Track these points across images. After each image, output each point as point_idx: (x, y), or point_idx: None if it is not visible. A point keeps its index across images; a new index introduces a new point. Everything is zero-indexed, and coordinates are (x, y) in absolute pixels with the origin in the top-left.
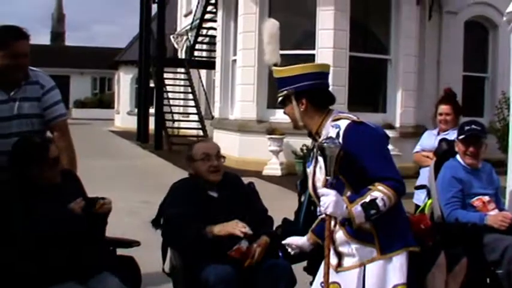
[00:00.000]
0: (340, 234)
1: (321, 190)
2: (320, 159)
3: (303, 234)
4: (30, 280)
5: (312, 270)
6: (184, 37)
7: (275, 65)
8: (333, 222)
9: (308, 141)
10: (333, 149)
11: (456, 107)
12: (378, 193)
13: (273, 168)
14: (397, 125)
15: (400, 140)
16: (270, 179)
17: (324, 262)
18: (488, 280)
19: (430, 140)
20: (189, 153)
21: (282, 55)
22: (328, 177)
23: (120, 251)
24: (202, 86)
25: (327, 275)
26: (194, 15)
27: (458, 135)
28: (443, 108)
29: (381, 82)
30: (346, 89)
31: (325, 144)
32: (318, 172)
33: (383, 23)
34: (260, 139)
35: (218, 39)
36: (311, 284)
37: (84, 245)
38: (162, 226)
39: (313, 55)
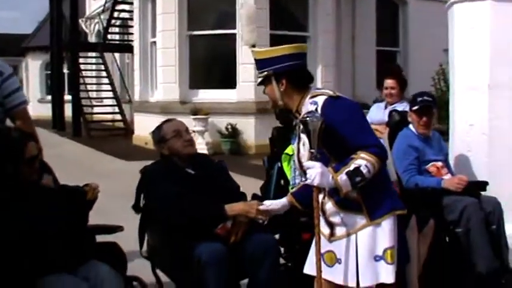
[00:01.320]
0: (329, 205)
1: (306, 163)
2: (303, 135)
3: None
4: (21, 274)
5: (284, 243)
6: (95, 20)
7: (253, 46)
8: (321, 195)
9: (232, 120)
10: (315, 123)
11: (401, 81)
12: (361, 160)
13: (200, 148)
14: None
15: None
16: None
17: (315, 231)
18: (447, 239)
19: (378, 113)
20: (159, 135)
21: (202, 35)
22: (312, 150)
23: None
24: (119, 69)
25: (318, 243)
26: None
27: (412, 106)
28: (389, 82)
29: None
30: None
31: (307, 118)
32: (301, 149)
33: (301, 0)
34: (185, 120)
35: (135, 22)
36: (283, 256)
37: (72, 235)
38: (156, 205)
39: (235, 34)
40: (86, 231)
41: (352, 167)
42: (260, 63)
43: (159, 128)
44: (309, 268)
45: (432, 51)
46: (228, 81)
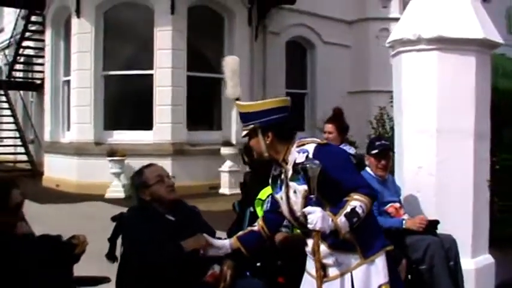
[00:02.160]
0: (323, 248)
1: (307, 209)
2: (292, 183)
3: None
4: None
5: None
6: None
7: (237, 99)
8: (310, 240)
9: (149, 161)
10: (315, 169)
11: (340, 125)
12: (356, 202)
13: (116, 190)
14: (234, 141)
15: (239, 156)
16: (114, 201)
17: (316, 275)
18: (409, 277)
19: None
20: (140, 180)
21: (118, 75)
22: (312, 196)
23: None
24: (25, 108)
25: (320, 285)
26: (13, 32)
27: (370, 150)
28: (327, 126)
29: (216, 100)
30: (184, 108)
31: (307, 165)
32: (292, 196)
33: (217, 42)
34: (100, 162)
35: (47, 59)
36: None
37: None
38: (135, 250)
39: (152, 75)
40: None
41: (348, 208)
42: (245, 117)
43: (139, 172)
44: None
45: (337, 93)
46: (144, 122)
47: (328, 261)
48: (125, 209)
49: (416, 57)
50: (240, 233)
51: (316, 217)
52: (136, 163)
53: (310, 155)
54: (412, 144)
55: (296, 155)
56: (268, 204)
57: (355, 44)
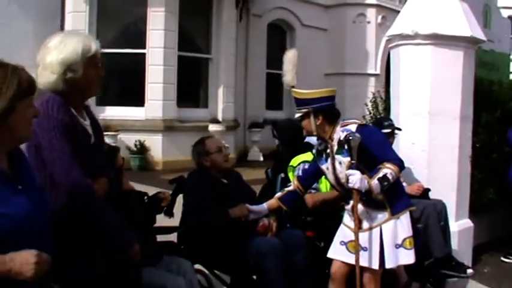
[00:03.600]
0: (359, 206)
1: (349, 171)
2: (338, 156)
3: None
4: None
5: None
6: None
7: (293, 87)
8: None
9: (141, 137)
10: (356, 140)
11: None
12: (387, 169)
13: None
14: (220, 119)
15: (225, 133)
16: None
17: (354, 224)
18: None
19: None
20: (203, 149)
21: (111, 53)
22: (353, 161)
23: None
24: None
25: (357, 237)
26: None
27: (380, 128)
28: None
29: (204, 79)
30: (175, 87)
31: (350, 137)
32: (338, 167)
33: (206, 24)
34: None
35: None
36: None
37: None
38: (195, 206)
39: (144, 54)
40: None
41: (381, 174)
42: (300, 102)
43: (201, 142)
44: (332, 253)
45: (315, 75)
46: (137, 99)
47: (363, 216)
48: None
49: (413, 50)
50: (279, 194)
51: (356, 178)
52: (128, 138)
53: (351, 132)
54: (407, 125)
55: (340, 134)
56: (299, 171)
57: (332, 28)
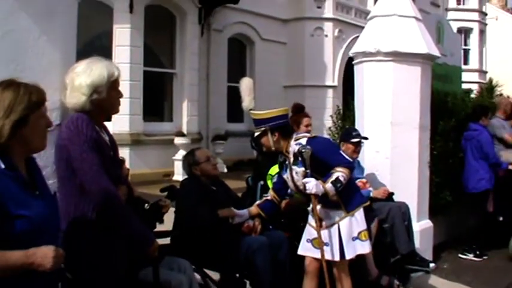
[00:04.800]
0: (318, 207)
1: (305, 179)
2: (294, 167)
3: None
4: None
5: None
6: None
7: (252, 109)
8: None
9: None
10: (308, 152)
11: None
12: (339, 173)
13: None
14: (185, 132)
15: (190, 146)
16: None
17: (312, 226)
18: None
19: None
20: (193, 158)
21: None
22: (307, 171)
23: None
24: None
25: (319, 235)
26: None
27: (350, 138)
28: (308, 120)
29: (169, 94)
30: (141, 101)
31: (302, 150)
32: (295, 176)
33: (170, 40)
34: None
35: None
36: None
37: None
38: (188, 210)
39: None
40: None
41: (333, 177)
42: (258, 122)
43: (191, 153)
44: (301, 250)
45: (274, 87)
46: None
47: (322, 216)
48: None
49: (376, 66)
50: (258, 202)
51: (311, 185)
52: None
53: (296, 148)
54: (372, 134)
55: (294, 147)
56: (275, 180)
57: (291, 41)
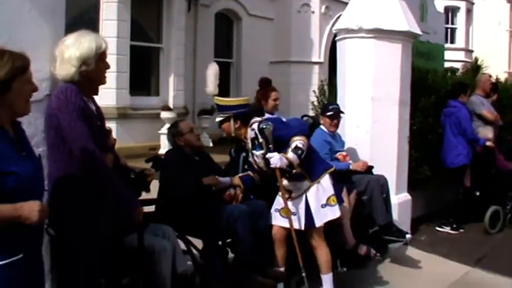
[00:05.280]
0: (285, 181)
1: (268, 155)
2: (253, 151)
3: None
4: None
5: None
6: None
7: (215, 95)
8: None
9: None
10: (269, 128)
11: None
12: (296, 141)
13: None
14: (171, 106)
15: (176, 119)
16: None
17: (281, 197)
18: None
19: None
20: (177, 129)
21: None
22: (270, 146)
23: None
24: None
25: (285, 203)
26: None
27: (326, 112)
28: (276, 94)
29: (155, 68)
30: (127, 75)
31: (263, 126)
32: (256, 158)
33: (157, 15)
34: None
35: None
36: None
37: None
38: (172, 180)
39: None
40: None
41: (293, 146)
42: (222, 108)
43: (175, 125)
44: (270, 220)
45: (260, 63)
46: None
47: (290, 188)
48: None
49: (358, 43)
50: (240, 174)
51: (275, 159)
52: None
53: (256, 129)
54: (353, 109)
55: (250, 133)
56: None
57: (278, 17)
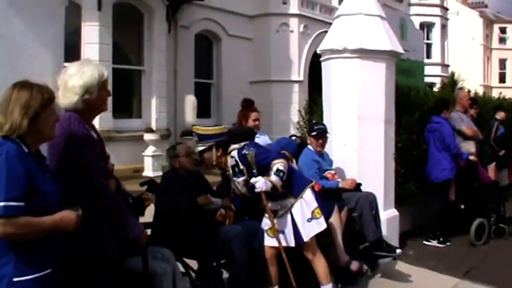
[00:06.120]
0: (270, 203)
1: (253, 180)
2: (235, 178)
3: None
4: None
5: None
6: None
7: (194, 125)
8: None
9: None
10: (251, 154)
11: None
12: (277, 164)
13: None
14: (154, 128)
15: (160, 142)
16: None
17: (268, 217)
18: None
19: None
20: (174, 152)
21: None
22: (254, 171)
23: None
24: None
25: (272, 222)
26: None
27: (311, 132)
28: (256, 114)
29: (138, 91)
30: (110, 98)
31: (246, 153)
32: (238, 185)
33: (138, 37)
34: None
35: None
36: None
37: None
38: (168, 200)
39: None
40: None
41: (274, 169)
42: (203, 137)
43: (173, 147)
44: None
45: (241, 83)
46: None
47: (275, 208)
48: None
49: (342, 63)
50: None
51: (260, 183)
52: None
53: (236, 157)
54: (340, 128)
55: (230, 161)
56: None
57: (257, 37)
